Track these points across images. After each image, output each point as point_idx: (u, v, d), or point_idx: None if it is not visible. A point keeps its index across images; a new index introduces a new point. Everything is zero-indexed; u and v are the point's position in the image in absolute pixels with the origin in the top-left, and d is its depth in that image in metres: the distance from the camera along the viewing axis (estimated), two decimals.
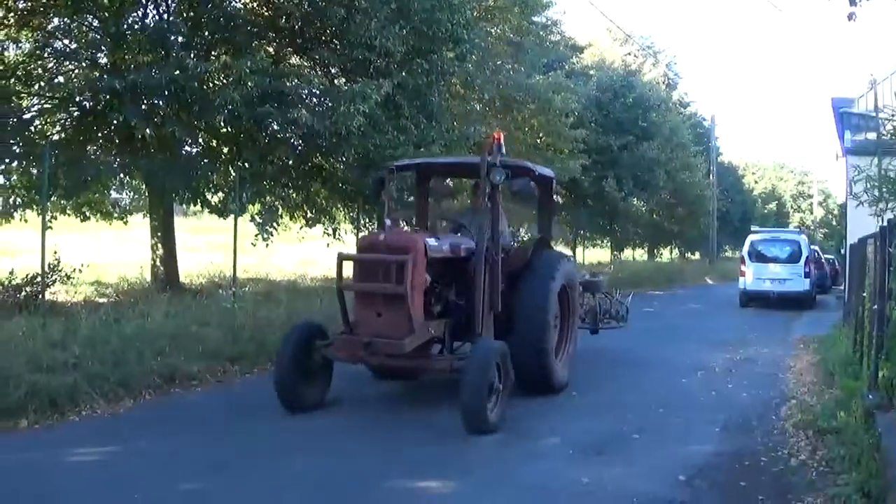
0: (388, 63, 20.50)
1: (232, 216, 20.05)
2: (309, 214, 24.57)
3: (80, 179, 19.19)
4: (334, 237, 25.54)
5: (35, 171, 18.98)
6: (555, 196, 15.17)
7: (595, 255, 58.29)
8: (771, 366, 16.60)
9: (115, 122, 19.05)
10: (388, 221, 12.35)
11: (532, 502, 7.89)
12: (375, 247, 11.48)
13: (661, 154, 48.51)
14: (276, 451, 9.37)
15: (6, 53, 20.47)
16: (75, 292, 20.37)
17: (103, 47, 20.03)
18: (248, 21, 19.94)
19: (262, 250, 21.18)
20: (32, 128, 20.39)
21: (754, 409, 12.25)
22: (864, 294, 13.02)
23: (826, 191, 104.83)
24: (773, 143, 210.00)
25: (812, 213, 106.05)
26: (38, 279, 16.78)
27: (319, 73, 21.81)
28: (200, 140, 22.38)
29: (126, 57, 19.48)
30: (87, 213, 23.13)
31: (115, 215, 24.63)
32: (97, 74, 19.39)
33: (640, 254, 65.42)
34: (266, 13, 20.86)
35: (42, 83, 20.71)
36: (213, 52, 20.24)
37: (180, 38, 19.57)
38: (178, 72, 17.65)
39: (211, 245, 33.20)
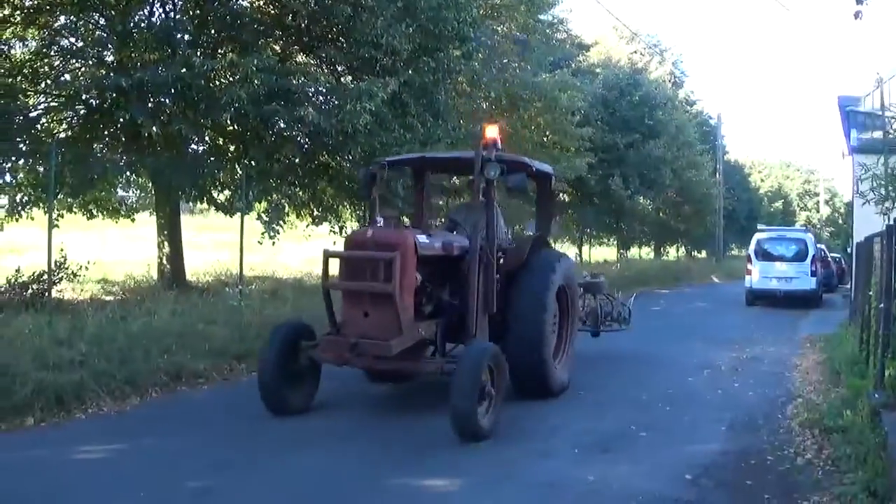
0: (394, 61, 20.46)
1: (238, 214, 20.06)
2: (315, 212, 24.52)
3: (87, 177, 19.21)
4: (341, 235, 25.47)
5: (41, 169, 18.98)
6: (554, 193, 14.71)
7: (601, 253, 58.24)
8: (777, 364, 16.60)
9: (121, 120, 19.08)
10: (379, 218, 11.93)
11: (537, 500, 7.90)
12: (363, 244, 11.10)
13: (667, 152, 48.49)
14: (282, 450, 9.40)
15: (13, 51, 20.49)
16: (82, 290, 20.37)
17: (110, 45, 20.03)
18: (254, 19, 19.93)
19: (268, 248, 21.19)
20: (39, 126, 20.38)
21: (760, 408, 12.25)
22: (871, 293, 13.00)
23: (832, 189, 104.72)
24: (779, 141, 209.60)
25: (818, 211, 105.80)
26: (45, 277, 16.80)
27: (326, 71, 21.77)
28: (207, 138, 22.34)
29: (132, 55, 19.50)
30: (94, 211, 23.11)
31: (122, 213, 24.63)
32: (103, 72, 19.41)
33: (647, 252, 65.28)
34: (272, 11, 20.85)
35: (48, 81, 20.71)
36: (219, 50, 20.23)
37: (187, 37, 19.56)
38: (184, 70, 17.63)
39: (217, 243, 33.16)
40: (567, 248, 51.42)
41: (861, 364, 13.36)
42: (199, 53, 18.42)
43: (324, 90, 20.59)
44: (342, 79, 22.08)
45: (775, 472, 8.83)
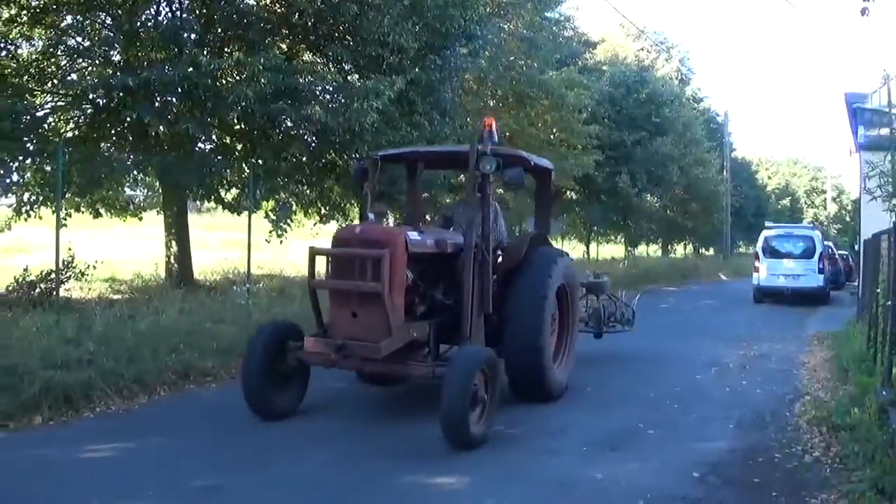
0: (401, 59, 20.47)
1: (246, 213, 20.08)
2: (323, 211, 24.50)
3: (94, 176, 19.26)
4: None
5: (49, 168, 18.99)
6: (554, 188, 14.37)
7: (609, 251, 58.27)
8: (785, 362, 16.58)
9: (128, 119, 19.11)
10: (370, 215, 11.65)
11: (545, 498, 7.89)
12: (350, 241, 10.67)
13: (674, 150, 48.57)
14: (290, 448, 9.39)
15: (20, 51, 20.52)
16: (89, 289, 20.39)
17: (116, 45, 20.08)
18: (260, 18, 19.94)
19: (276, 247, 21.22)
20: (46, 125, 20.44)
21: (768, 406, 12.23)
22: (878, 290, 12.99)
23: (840, 186, 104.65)
24: (786, 138, 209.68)
25: (826, 208, 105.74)
26: (53, 276, 16.81)
27: (333, 69, 21.79)
28: (214, 137, 22.35)
29: (139, 54, 19.55)
30: (101, 211, 23.12)
31: (130, 212, 24.67)
32: (110, 72, 19.39)
33: (654, 249, 65.28)
34: (279, 10, 20.87)
35: (55, 81, 20.78)
36: (226, 49, 20.26)
37: (193, 35, 19.57)
38: (191, 69, 17.65)
39: (225, 241, 33.25)
40: (574, 246, 51.57)
41: (869, 361, 13.33)
42: (205, 52, 18.41)
43: (331, 88, 20.64)
44: (349, 77, 22.10)
45: (783, 470, 8.82)
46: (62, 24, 20.27)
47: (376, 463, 8.76)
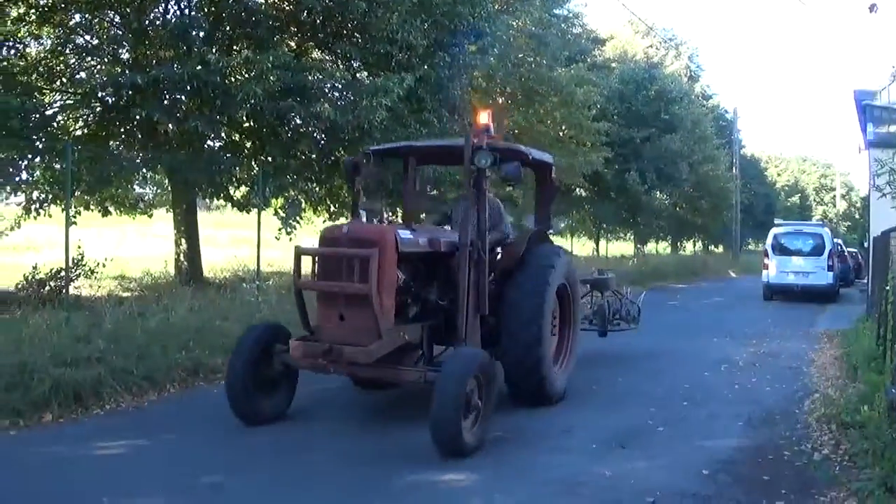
0: (409, 56, 20.48)
1: (255, 210, 20.11)
2: (332, 208, 24.53)
3: (103, 174, 19.31)
4: None
5: (58, 166, 19.04)
6: (555, 183, 13.83)
7: (618, 248, 58.26)
8: (794, 359, 16.54)
9: (137, 117, 19.11)
10: (362, 212, 11.16)
11: (554, 496, 7.87)
12: (338, 240, 10.16)
13: (683, 147, 48.55)
14: (299, 445, 9.44)
15: (28, 50, 20.59)
16: (99, 287, 20.38)
17: (125, 43, 20.09)
18: (269, 16, 19.94)
19: (285, 244, 21.20)
20: (55, 124, 20.49)
21: (777, 403, 12.22)
22: (888, 287, 12.96)
23: (849, 183, 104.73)
24: (795, 135, 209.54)
25: (835, 206, 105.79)
26: (62, 274, 16.86)
27: (341, 67, 21.83)
28: (223, 135, 22.38)
29: (148, 52, 19.60)
30: (110, 209, 23.15)
31: (139, 210, 24.72)
32: (119, 70, 19.42)
33: (664, 247, 65.28)
34: (287, 7, 20.87)
35: (64, 79, 20.86)
36: (234, 47, 20.27)
37: (202, 34, 19.59)
38: (199, 67, 17.69)
39: (235, 239, 33.31)
40: (584, 243, 51.58)
41: (878, 359, 13.29)
42: (214, 50, 18.48)
43: (339, 86, 20.67)
44: (358, 74, 22.16)
45: (792, 468, 8.81)
46: (70, 23, 20.34)
47: (380, 460, 8.76)
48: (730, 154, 60.25)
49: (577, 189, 42.38)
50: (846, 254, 40.55)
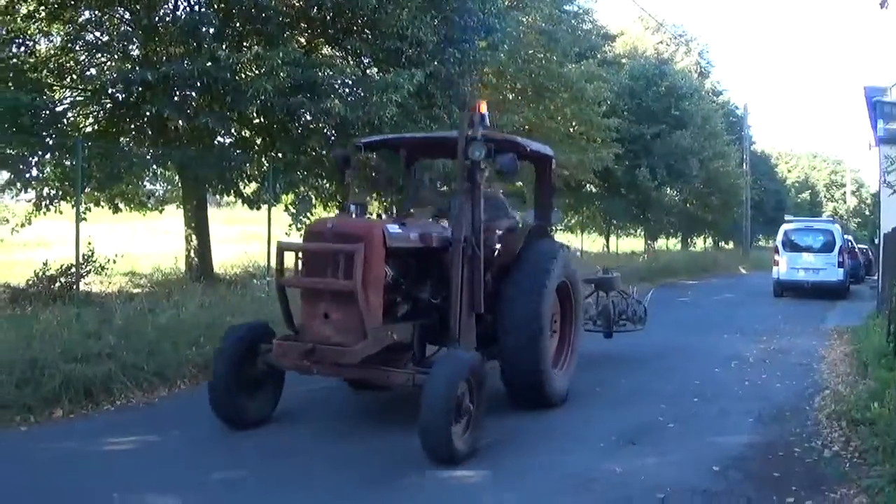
0: (420, 52, 20.43)
1: (265, 206, 20.12)
2: (342, 204, 24.53)
3: (114, 171, 19.36)
4: None
5: (68, 162, 19.08)
6: (554, 177, 13.30)
7: (629, 244, 58.24)
8: (804, 356, 16.52)
9: (147, 113, 19.10)
10: (352, 207, 10.60)
11: (565, 492, 7.88)
12: (322, 235, 9.76)
13: (693, 143, 48.40)
14: (310, 441, 9.47)
15: (38, 47, 20.60)
16: (109, 283, 20.45)
17: (135, 39, 20.08)
18: (279, 12, 19.89)
19: (296, 240, 21.23)
20: (65, 120, 20.52)
21: (788, 400, 12.22)
22: None
23: (859, 180, 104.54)
24: (806, 131, 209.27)
25: (845, 202, 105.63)
26: (73, 270, 16.90)
27: (352, 63, 21.79)
28: (233, 131, 22.41)
29: (158, 49, 19.59)
30: (120, 205, 23.16)
31: (149, 207, 24.75)
32: (129, 66, 19.45)
33: (674, 243, 65.22)
34: (297, 4, 20.82)
35: (74, 76, 20.86)
36: (244, 43, 20.23)
37: (212, 30, 19.54)
38: (210, 63, 17.70)
39: (245, 235, 33.32)
40: (595, 239, 51.58)
41: (888, 356, 13.28)
42: (224, 47, 18.42)
43: (350, 82, 20.63)
44: (368, 70, 22.14)
45: (803, 464, 8.80)
46: (80, 20, 20.35)
47: (393, 454, 8.79)
48: (740, 150, 60.09)
49: (588, 185, 42.32)
50: (856, 250, 40.43)
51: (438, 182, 17.96)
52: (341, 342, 9.24)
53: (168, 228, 31.22)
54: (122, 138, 21.40)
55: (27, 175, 19.14)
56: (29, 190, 19.59)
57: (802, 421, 10.81)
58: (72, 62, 20.85)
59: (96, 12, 20.01)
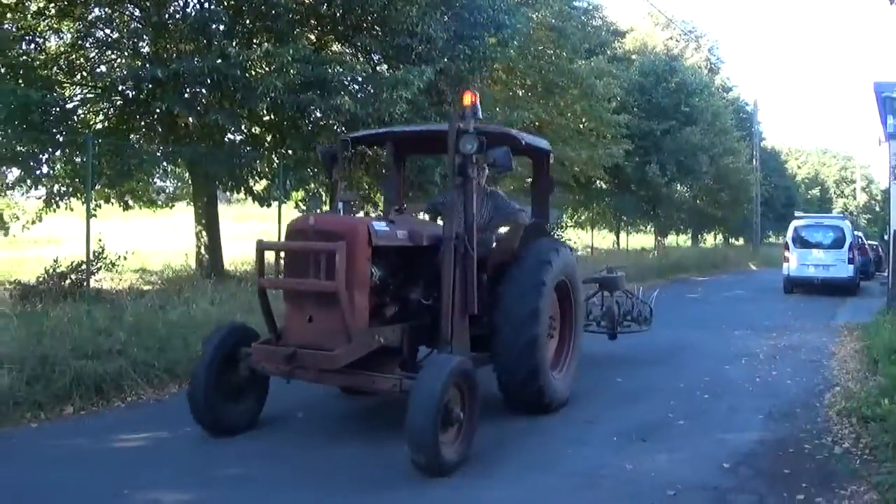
0: (429, 49, 20.42)
1: (275, 203, 20.13)
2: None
3: (124, 168, 19.38)
4: None
5: (79, 159, 19.12)
6: (551, 172, 12.77)
7: (639, 240, 58.18)
8: (815, 353, 16.48)
9: (157, 110, 19.15)
10: (340, 204, 10.30)
11: (574, 489, 7.87)
12: (304, 233, 9.17)
13: (703, 139, 48.38)
14: (321, 437, 9.48)
15: (48, 44, 20.64)
16: (120, 280, 20.46)
17: (145, 36, 20.11)
18: (289, 9, 19.89)
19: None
20: (75, 117, 20.55)
21: (798, 397, 12.18)
22: None
23: (869, 176, 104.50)
24: (815, 127, 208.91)
25: (855, 198, 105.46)
26: (83, 267, 16.93)
27: (362, 59, 21.77)
28: (243, 128, 22.43)
29: (168, 46, 19.61)
30: (130, 202, 23.20)
31: (159, 204, 24.79)
32: (139, 63, 19.48)
33: (684, 239, 65.13)
34: (307, 1, 20.85)
35: (84, 73, 20.89)
36: (254, 40, 20.24)
37: (222, 27, 19.54)
38: (220, 60, 17.69)
39: (256, 232, 33.31)
40: (605, 236, 51.56)
41: None
42: (234, 44, 18.43)
43: (360, 79, 20.60)
44: (378, 67, 22.16)
45: (813, 461, 8.77)
46: (90, 17, 20.37)
47: (399, 452, 8.67)
48: (750, 146, 60.08)
49: (598, 182, 42.31)
50: (866, 246, 40.39)
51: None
52: (324, 346, 8.75)
53: (178, 225, 31.28)
54: (132, 135, 21.44)
55: (38, 172, 19.21)
56: (39, 187, 19.63)
57: (813, 418, 10.78)
58: (82, 59, 20.89)
59: (106, 9, 20.00)
